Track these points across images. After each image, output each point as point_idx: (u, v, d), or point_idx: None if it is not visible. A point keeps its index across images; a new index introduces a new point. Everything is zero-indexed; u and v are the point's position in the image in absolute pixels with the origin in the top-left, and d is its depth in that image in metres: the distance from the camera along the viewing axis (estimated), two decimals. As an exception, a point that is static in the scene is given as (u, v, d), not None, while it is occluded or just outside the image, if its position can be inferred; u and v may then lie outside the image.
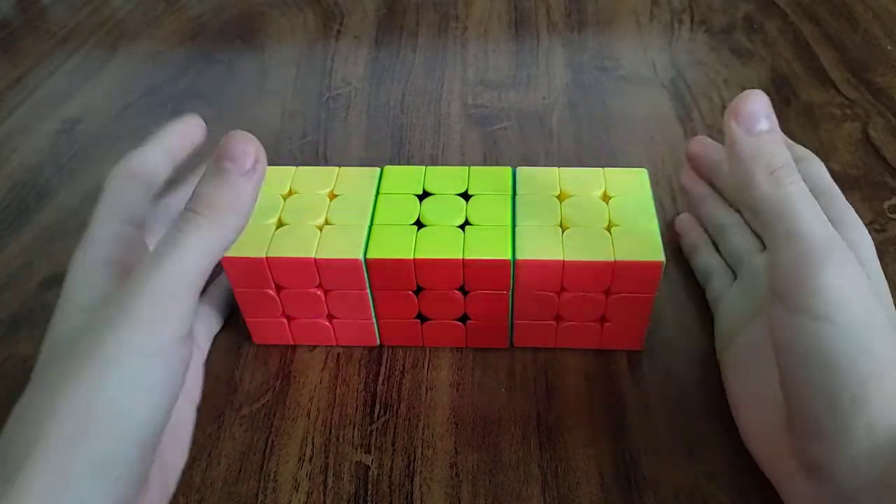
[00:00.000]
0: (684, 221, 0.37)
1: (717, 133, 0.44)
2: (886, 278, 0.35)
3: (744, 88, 0.46)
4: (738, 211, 0.34)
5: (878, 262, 0.26)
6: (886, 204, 0.38)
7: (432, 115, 0.47)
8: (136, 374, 0.22)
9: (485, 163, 0.43)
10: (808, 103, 0.46)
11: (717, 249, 0.34)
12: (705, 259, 0.34)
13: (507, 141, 0.44)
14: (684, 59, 0.51)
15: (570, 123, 0.45)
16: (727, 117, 0.25)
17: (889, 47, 0.50)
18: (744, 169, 0.24)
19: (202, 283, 0.23)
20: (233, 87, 0.50)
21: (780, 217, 0.24)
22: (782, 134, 0.25)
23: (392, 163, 0.43)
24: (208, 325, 0.32)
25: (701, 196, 0.36)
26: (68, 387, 0.21)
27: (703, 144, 0.36)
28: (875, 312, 0.23)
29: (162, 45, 0.55)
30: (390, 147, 0.44)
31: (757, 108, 0.25)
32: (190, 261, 0.23)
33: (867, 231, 0.26)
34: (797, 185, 0.24)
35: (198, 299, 0.23)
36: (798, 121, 0.44)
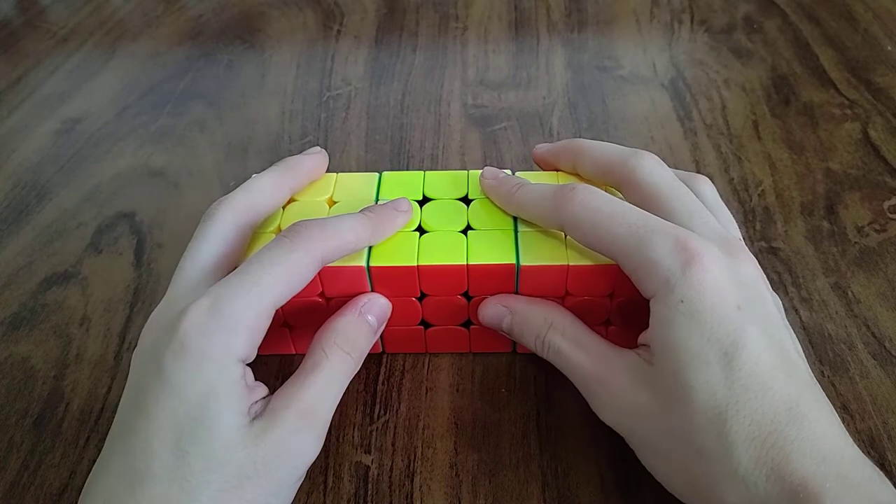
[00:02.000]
0: None
1: (717, 133, 0.44)
2: (886, 279, 0.35)
3: (744, 88, 0.47)
4: None
5: (761, 283, 0.25)
6: (886, 204, 0.38)
7: (432, 115, 0.47)
8: (282, 498, 0.24)
9: (485, 163, 0.43)
10: (808, 103, 0.46)
11: None
12: None
13: (507, 141, 0.44)
14: (684, 59, 0.51)
15: (570, 123, 0.45)
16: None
17: (889, 47, 0.50)
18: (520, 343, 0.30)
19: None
20: (233, 87, 0.50)
21: (559, 367, 0.28)
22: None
23: (392, 163, 0.43)
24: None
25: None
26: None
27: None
28: (657, 419, 0.24)
29: (162, 45, 0.55)
30: (390, 147, 0.44)
31: (490, 319, 0.29)
32: (339, 397, 0.26)
33: (683, 257, 0.24)
34: (552, 344, 0.28)
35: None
36: (798, 121, 0.44)
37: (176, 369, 0.23)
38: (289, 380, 0.25)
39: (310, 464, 0.25)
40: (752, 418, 0.22)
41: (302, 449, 0.24)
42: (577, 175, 0.32)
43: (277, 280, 0.25)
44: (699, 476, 0.23)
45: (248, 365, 0.25)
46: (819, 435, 0.21)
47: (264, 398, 0.25)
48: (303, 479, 0.25)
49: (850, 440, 0.22)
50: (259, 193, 0.29)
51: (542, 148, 0.34)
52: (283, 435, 0.23)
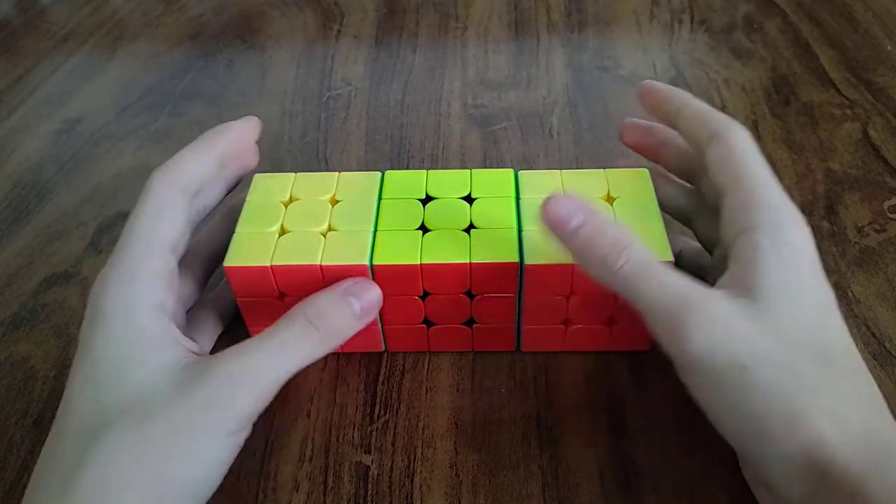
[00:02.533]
0: None
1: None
2: (886, 279, 0.35)
3: (744, 88, 0.47)
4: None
5: (807, 246, 0.26)
6: (886, 204, 0.38)
7: (432, 115, 0.47)
8: (214, 451, 0.24)
9: (485, 163, 0.43)
10: (808, 103, 0.46)
11: None
12: None
13: (507, 141, 0.44)
14: (684, 59, 0.51)
15: (570, 123, 0.45)
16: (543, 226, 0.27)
17: (889, 47, 0.50)
18: (579, 264, 0.27)
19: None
20: (233, 87, 0.50)
21: (630, 299, 0.25)
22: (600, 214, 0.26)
23: (392, 163, 0.43)
24: (211, 329, 0.32)
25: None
26: (146, 453, 0.22)
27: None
28: (756, 343, 0.23)
29: (162, 45, 0.55)
30: (390, 147, 0.44)
31: (560, 211, 0.26)
32: (290, 367, 0.25)
33: (790, 212, 0.26)
34: (629, 264, 0.25)
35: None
36: (798, 121, 0.44)
37: (88, 334, 0.24)
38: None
39: (242, 424, 0.24)
40: (856, 367, 0.24)
41: (230, 407, 0.24)
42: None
43: (152, 218, 0.26)
44: (799, 408, 0.22)
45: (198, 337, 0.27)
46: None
47: (198, 351, 0.26)
48: (238, 436, 0.25)
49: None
50: (186, 161, 0.29)
51: (651, 85, 0.32)
52: (211, 387, 0.23)
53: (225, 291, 0.33)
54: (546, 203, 0.26)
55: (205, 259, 0.32)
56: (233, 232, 0.30)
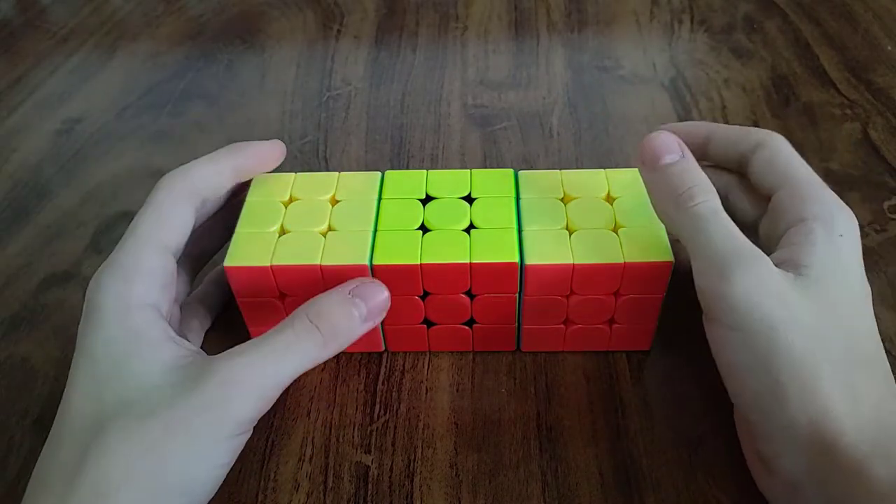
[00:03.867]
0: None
1: (717, 133, 0.44)
2: (886, 279, 0.35)
3: (744, 88, 0.47)
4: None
5: (857, 240, 0.26)
6: (886, 204, 0.38)
7: (432, 115, 0.47)
8: (213, 454, 0.24)
9: (485, 163, 0.43)
10: (808, 103, 0.46)
11: None
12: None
13: (507, 141, 0.44)
14: (684, 59, 0.51)
15: (570, 123, 0.45)
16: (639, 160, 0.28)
17: (889, 47, 0.50)
18: (653, 200, 0.28)
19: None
20: (233, 87, 0.50)
21: (688, 237, 0.26)
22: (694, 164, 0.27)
23: (392, 163, 0.43)
24: (199, 323, 0.32)
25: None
26: (145, 452, 0.22)
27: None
28: (794, 309, 0.24)
29: (162, 45, 0.55)
30: (390, 147, 0.44)
31: (659, 145, 0.28)
32: (291, 370, 0.25)
33: (843, 208, 0.27)
34: (703, 205, 0.26)
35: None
36: (798, 121, 0.44)
37: (84, 329, 0.25)
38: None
39: (243, 426, 0.24)
40: (876, 357, 0.25)
41: (231, 408, 0.24)
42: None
43: (155, 220, 0.26)
44: (816, 378, 0.23)
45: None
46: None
47: (198, 352, 0.26)
48: (239, 438, 0.25)
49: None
50: (199, 171, 0.29)
51: (668, 127, 0.32)
52: (210, 389, 0.23)
53: (211, 288, 0.33)
54: (647, 137, 0.28)
55: (194, 257, 0.32)
56: (223, 230, 0.30)
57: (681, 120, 0.45)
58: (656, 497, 0.27)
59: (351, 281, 0.28)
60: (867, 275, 0.31)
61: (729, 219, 0.26)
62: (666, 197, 0.27)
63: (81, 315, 0.26)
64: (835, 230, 0.26)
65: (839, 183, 0.40)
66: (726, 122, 0.44)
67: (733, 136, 0.30)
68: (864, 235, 0.36)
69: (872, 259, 0.35)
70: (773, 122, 0.44)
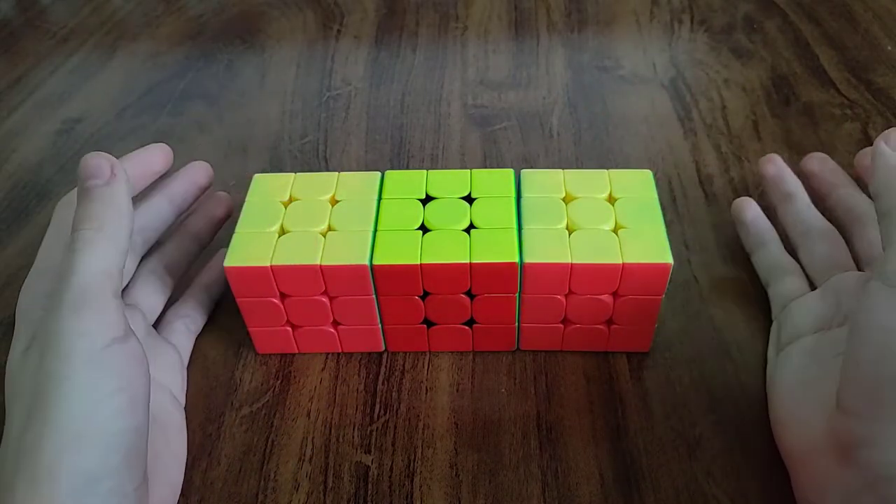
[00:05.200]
0: (752, 210, 0.35)
1: (717, 133, 0.44)
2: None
3: (744, 88, 0.47)
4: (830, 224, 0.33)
5: None
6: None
7: (432, 115, 0.47)
8: (90, 381, 0.23)
9: (485, 163, 0.43)
10: (808, 103, 0.46)
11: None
12: (779, 257, 0.33)
13: (507, 141, 0.44)
14: (684, 59, 0.51)
15: (570, 123, 0.45)
16: (878, 143, 0.26)
17: (889, 47, 0.50)
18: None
19: (117, 286, 0.25)
20: (233, 87, 0.50)
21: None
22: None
23: (392, 163, 0.43)
24: (188, 326, 0.32)
25: (788, 194, 0.34)
26: (35, 412, 0.22)
27: (821, 162, 0.35)
28: None
29: (162, 45, 0.55)
30: (390, 147, 0.44)
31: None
32: (95, 269, 0.24)
33: None
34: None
35: (120, 299, 0.25)
36: (798, 121, 0.44)
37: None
38: None
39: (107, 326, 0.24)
40: None
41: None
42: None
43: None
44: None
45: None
46: None
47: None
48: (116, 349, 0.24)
49: None
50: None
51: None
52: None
53: (205, 282, 0.34)
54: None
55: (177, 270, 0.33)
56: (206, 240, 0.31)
57: (680, 121, 0.45)
58: (656, 497, 0.27)
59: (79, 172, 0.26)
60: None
61: None
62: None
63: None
64: None
65: (839, 183, 0.39)
66: (726, 122, 0.44)
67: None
68: (864, 235, 0.36)
69: (872, 259, 0.35)
70: (773, 122, 0.44)
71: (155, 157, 0.31)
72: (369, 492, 0.28)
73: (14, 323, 0.34)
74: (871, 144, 0.42)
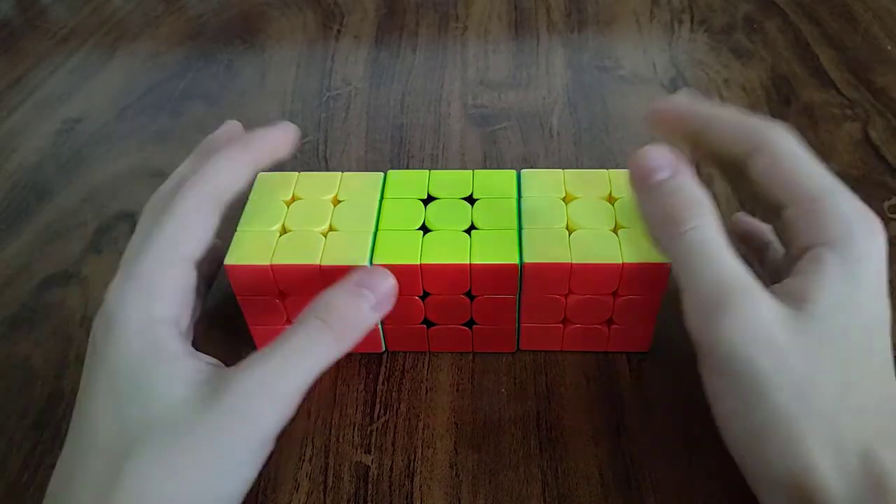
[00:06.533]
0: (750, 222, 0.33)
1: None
2: (887, 279, 0.34)
3: (744, 88, 0.47)
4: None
5: (879, 259, 0.24)
6: (886, 204, 0.38)
7: (432, 115, 0.47)
8: (241, 469, 0.23)
9: (485, 162, 0.43)
10: (808, 103, 0.46)
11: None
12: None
13: (507, 141, 0.44)
14: (684, 59, 0.51)
15: (570, 123, 0.45)
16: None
17: (889, 47, 0.50)
18: (645, 224, 0.25)
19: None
20: (233, 87, 0.50)
21: (678, 269, 0.24)
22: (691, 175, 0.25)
23: (392, 163, 0.43)
24: (190, 314, 0.32)
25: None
26: (175, 470, 0.22)
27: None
28: (784, 357, 0.22)
29: (162, 45, 0.55)
30: (390, 147, 0.44)
31: (648, 161, 0.24)
32: (311, 372, 0.24)
33: (863, 220, 0.24)
34: (693, 232, 0.23)
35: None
36: (798, 121, 0.44)
37: (104, 343, 0.24)
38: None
39: (269, 436, 0.24)
40: (884, 395, 0.22)
41: (256, 419, 0.23)
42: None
43: (179, 230, 0.25)
44: (799, 434, 0.21)
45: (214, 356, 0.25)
46: None
47: (217, 365, 0.25)
48: (265, 450, 0.24)
49: None
50: (221, 174, 0.27)
51: (662, 106, 0.28)
52: (233, 402, 0.23)
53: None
54: (636, 153, 0.25)
55: (210, 262, 0.32)
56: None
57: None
58: (656, 497, 0.27)
59: (354, 271, 0.27)
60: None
61: (723, 245, 0.23)
62: (656, 221, 0.24)
63: (97, 324, 0.25)
64: (851, 254, 0.23)
65: (839, 183, 0.40)
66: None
67: (729, 133, 0.26)
68: (864, 235, 0.36)
69: (872, 259, 0.35)
70: (773, 122, 0.44)
71: (282, 138, 0.30)
72: (369, 492, 0.28)
73: (14, 322, 0.35)
74: (871, 144, 0.42)
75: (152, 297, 0.24)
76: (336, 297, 0.25)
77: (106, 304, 0.24)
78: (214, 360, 0.26)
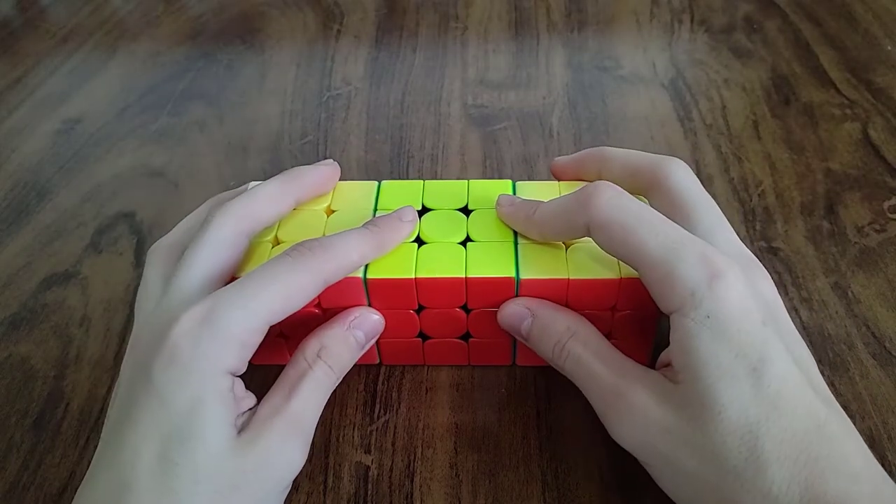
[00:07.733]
0: None
1: (717, 133, 0.44)
2: (886, 279, 0.35)
3: (744, 88, 0.47)
4: None
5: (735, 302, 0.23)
6: (886, 204, 0.38)
7: (432, 115, 0.47)
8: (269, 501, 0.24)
9: (485, 163, 0.43)
10: (808, 103, 0.46)
11: None
12: None
13: (507, 141, 0.44)
14: (684, 59, 0.51)
15: (570, 123, 0.45)
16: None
17: (889, 47, 0.50)
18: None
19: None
20: (233, 87, 0.50)
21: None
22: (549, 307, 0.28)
23: (392, 163, 0.43)
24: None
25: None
26: None
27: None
28: (675, 435, 0.23)
29: (162, 45, 0.55)
30: (390, 147, 0.44)
31: (509, 320, 0.28)
32: (318, 411, 0.26)
33: (713, 264, 0.23)
34: (568, 359, 0.26)
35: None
36: (798, 121, 0.44)
37: (164, 379, 0.23)
38: (272, 389, 0.25)
39: (297, 473, 0.25)
40: (783, 436, 0.21)
41: (289, 458, 0.24)
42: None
43: (275, 297, 0.25)
44: (729, 497, 0.22)
45: (239, 376, 0.25)
46: (849, 452, 0.21)
47: (251, 409, 0.25)
48: (289, 488, 0.25)
49: (873, 457, 0.22)
50: (260, 201, 0.28)
51: (561, 160, 0.32)
52: (270, 445, 0.24)
53: None
54: (498, 313, 0.28)
55: None
56: None
57: (680, 121, 0.45)
58: (656, 497, 0.27)
59: (347, 313, 0.28)
60: (867, 276, 0.31)
61: (597, 348, 0.26)
62: (545, 356, 0.28)
63: (157, 348, 0.23)
64: (699, 313, 0.23)
65: (839, 183, 0.40)
66: (726, 122, 0.44)
67: (631, 166, 0.30)
68: (864, 235, 0.36)
69: (872, 259, 0.35)
70: (773, 122, 0.44)
71: (328, 177, 0.31)
72: (369, 492, 0.28)
73: (14, 322, 0.35)
74: (871, 144, 0.42)
75: (230, 351, 0.24)
76: (335, 341, 0.27)
77: (176, 343, 0.23)
78: (253, 401, 0.26)
